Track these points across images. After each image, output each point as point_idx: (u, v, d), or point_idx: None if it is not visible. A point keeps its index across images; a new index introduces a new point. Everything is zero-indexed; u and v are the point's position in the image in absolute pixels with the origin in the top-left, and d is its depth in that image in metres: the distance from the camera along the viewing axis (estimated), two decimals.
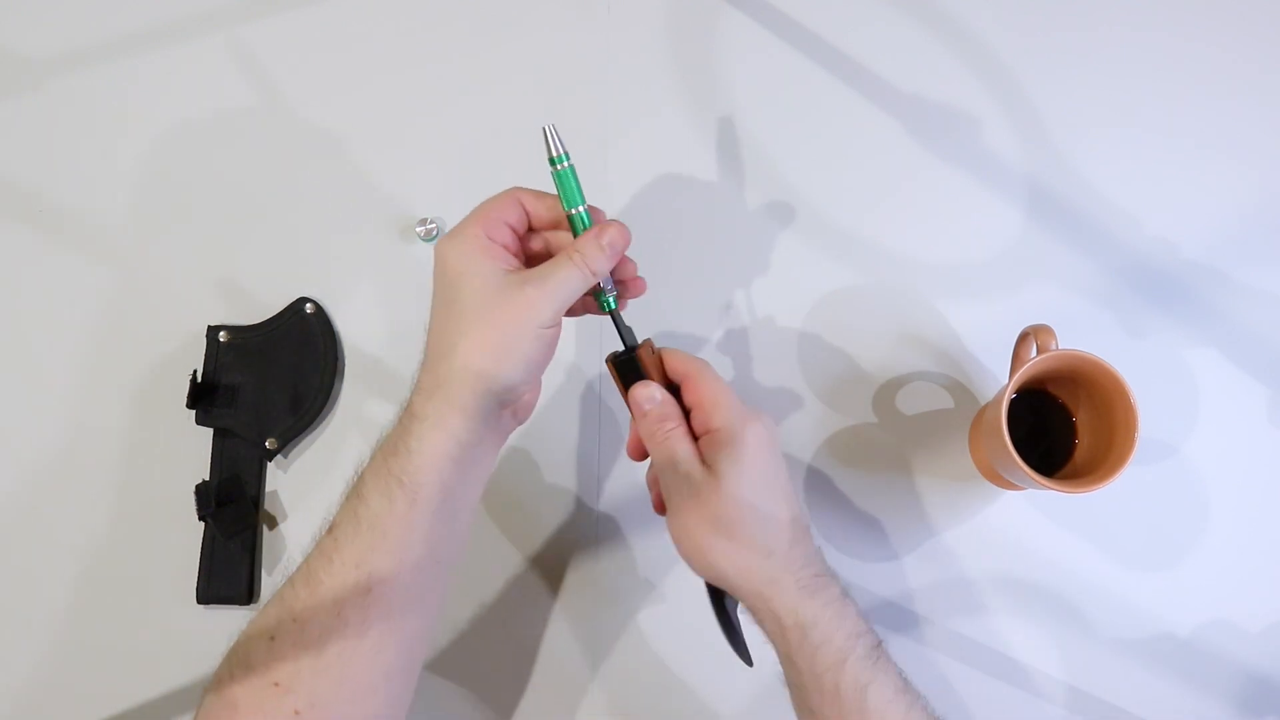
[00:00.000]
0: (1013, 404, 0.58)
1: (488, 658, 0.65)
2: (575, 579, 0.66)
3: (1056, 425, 0.63)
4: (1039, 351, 0.59)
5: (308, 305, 0.69)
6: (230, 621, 0.65)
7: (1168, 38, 0.73)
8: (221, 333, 0.69)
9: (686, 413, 0.52)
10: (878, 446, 0.67)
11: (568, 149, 0.51)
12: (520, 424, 0.54)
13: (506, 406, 0.51)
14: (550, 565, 0.66)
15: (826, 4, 0.74)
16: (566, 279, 0.49)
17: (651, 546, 0.66)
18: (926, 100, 0.72)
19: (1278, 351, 0.68)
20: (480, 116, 0.73)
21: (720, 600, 0.54)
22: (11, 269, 0.72)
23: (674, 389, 0.53)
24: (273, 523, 0.67)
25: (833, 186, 0.71)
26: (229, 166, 0.73)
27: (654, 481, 0.54)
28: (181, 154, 0.73)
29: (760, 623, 0.51)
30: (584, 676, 0.65)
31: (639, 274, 0.54)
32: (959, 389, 0.68)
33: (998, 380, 0.67)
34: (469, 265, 0.49)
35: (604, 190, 0.71)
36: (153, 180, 0.73)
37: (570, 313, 0.52)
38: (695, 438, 0.52)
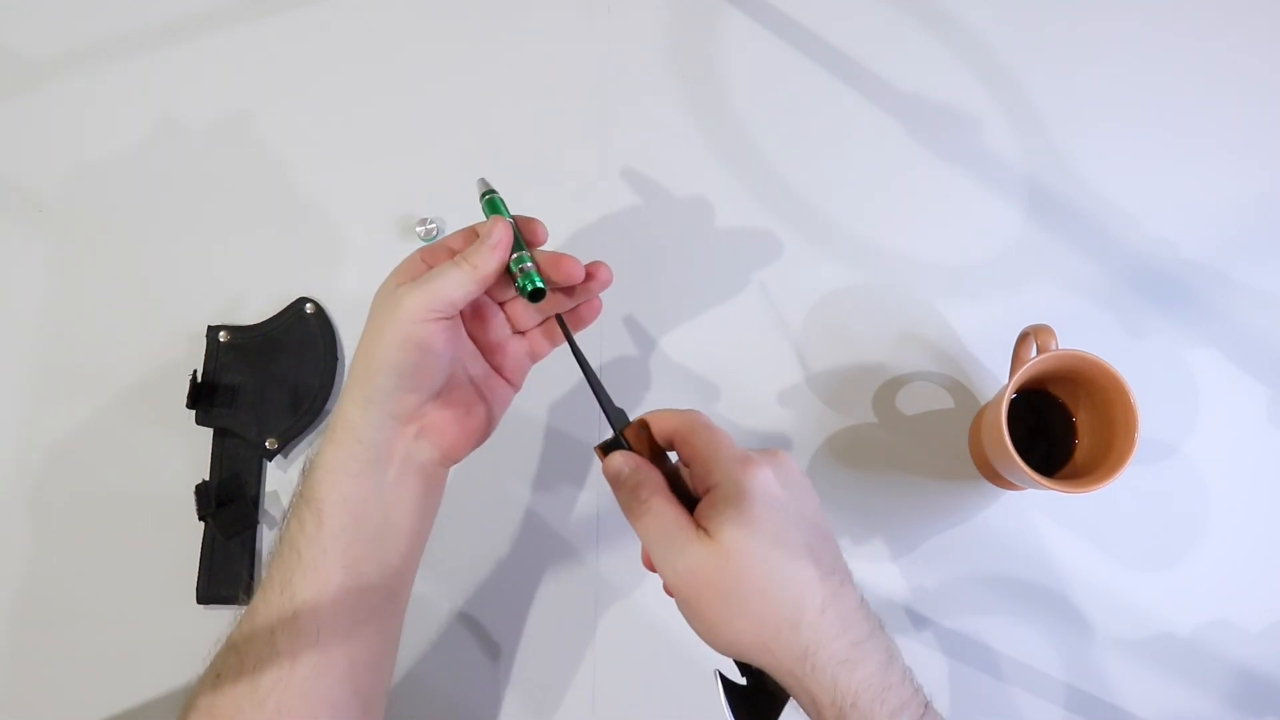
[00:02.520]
0: (1013, 404, 0.58)
1: (480, 668, 0.65)
2: (574, 587, 0.66)
3: (1056, 425, 0.63)
4: (1039, 351, 0.59)
5: (308, 305, 0.69)
6: (230, 622, 0.65)
7: (1170, 35, 0.73)
8: (221, 333, 0.69)
9: (683, 486, 0.48)
10: (878, 446, 0.67)
11: (493, 186, 0.53)
12: (447, 458, 0.51)
13: (405, 422, 0.49)
14: (548, 570, 0.66)
15: (826, 4, 0.74)
16: (439, 273, 0.47)
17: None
18: (926, 100, 0.72)
19: (1278, 351, 0.68)
20: (481, 117, 0.73)
21: (749, 705, 0.46)
22: (11, 269, 0.72)
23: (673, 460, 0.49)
24: (273, 523, 0.67)
25: (833, 186, 0.71)
26: (229, 166, 0.73)
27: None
28: (181, 154, 0.73)
29: (794, 697, 0.45)
30: (581, 684, 0.65)
31: (599, 293, 0.51)
32: (959, 389, 0.68)
33: (998, 380, 0.67)
34: (384, 285, 0.49)
35: (602, 190, 0.71)
36: (152, 180, 0.73)
37: (537, 348, 0.53)
38: (697, 500, 0.46)
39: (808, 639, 0.42)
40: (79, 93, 0.74)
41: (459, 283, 0.47)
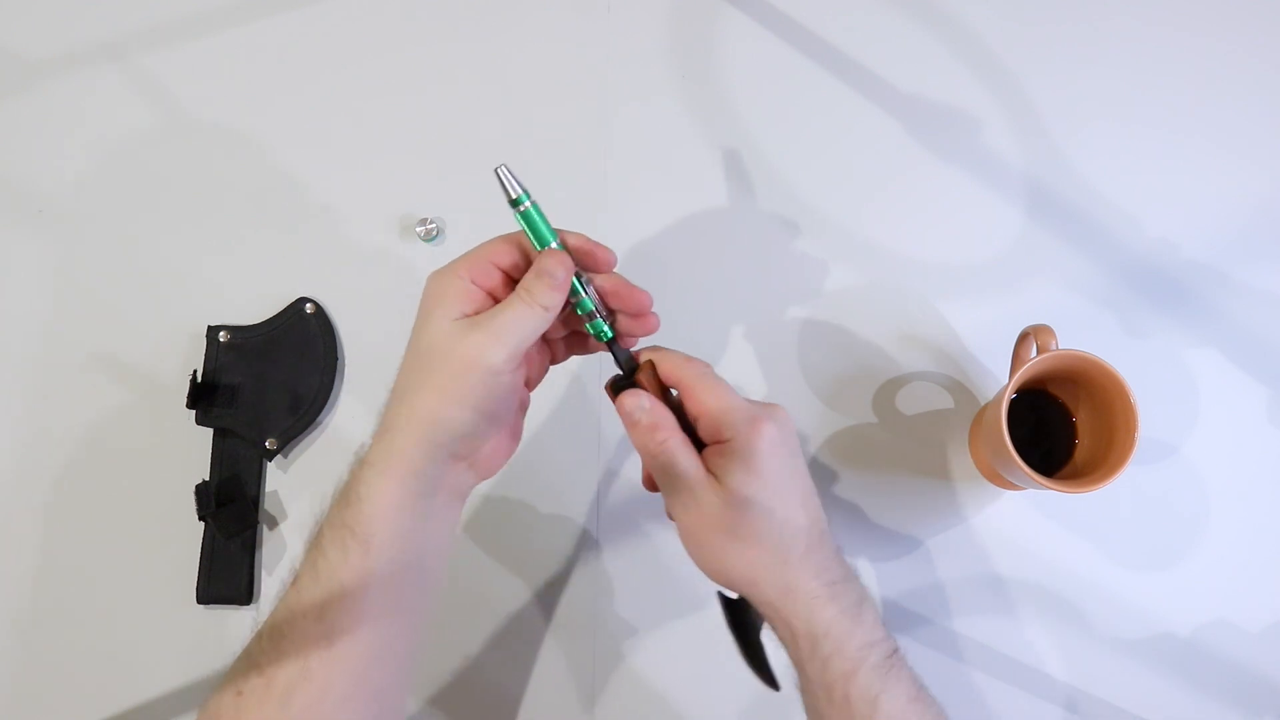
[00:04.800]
0: (1013, 404, 0.58)
1: (483, 680, 0.65)
2: (574, 595, 0.66)
3: (1056, 425, 0.63)
4: (1039, 351, 0.59)
5: (308, 305, 0.69)
6: (230, 622, 0.65)
7: (1170, 35, 0.73)
8: (221, 333, 0.69)
9: (686, 420, 0.50)
10: (878, 446, 0.67)
11: (526, 187, 0.47)
12: (485, 478, 0.51)
13: (461, 459, 0.49)
14: (547, 583, 0.66)
15: (826, 3, 0.74)
16: (514, 319, 0.46)
17: (652, 558, 0.66)
18: (926, 100, 0.72)
19: (1278, 351, 0.68)
20: (481, 117, 0.73)
21: (740, 618, 0.51)
22: (12, 270, 0.72)
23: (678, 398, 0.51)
24: (273, 523, 0.67)
25: (833, 186, 0.71)
26: (229, 166, 0.73)
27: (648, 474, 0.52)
28: (181, 154, 0.73)
29: (773, 627, 0.49)
30: (584, 692, 0.65)
31: (653, 310, 0.50)
32: (959, 389, 0.68)
33: (998, 380, 0.67)
34: (436, 306, 0.47)
35: (603, 192, 0.71)
36: (153, 180, 0.73)
37: (557, 354, 0.52)
38: (703, 444, 0.50)
39: (791, 577, 0.48)
40: (79, 93, 0.74)
41: (534, 329, 0.47)
